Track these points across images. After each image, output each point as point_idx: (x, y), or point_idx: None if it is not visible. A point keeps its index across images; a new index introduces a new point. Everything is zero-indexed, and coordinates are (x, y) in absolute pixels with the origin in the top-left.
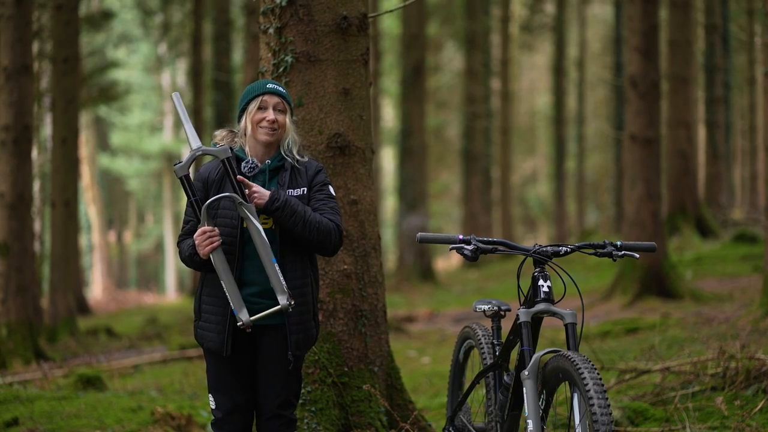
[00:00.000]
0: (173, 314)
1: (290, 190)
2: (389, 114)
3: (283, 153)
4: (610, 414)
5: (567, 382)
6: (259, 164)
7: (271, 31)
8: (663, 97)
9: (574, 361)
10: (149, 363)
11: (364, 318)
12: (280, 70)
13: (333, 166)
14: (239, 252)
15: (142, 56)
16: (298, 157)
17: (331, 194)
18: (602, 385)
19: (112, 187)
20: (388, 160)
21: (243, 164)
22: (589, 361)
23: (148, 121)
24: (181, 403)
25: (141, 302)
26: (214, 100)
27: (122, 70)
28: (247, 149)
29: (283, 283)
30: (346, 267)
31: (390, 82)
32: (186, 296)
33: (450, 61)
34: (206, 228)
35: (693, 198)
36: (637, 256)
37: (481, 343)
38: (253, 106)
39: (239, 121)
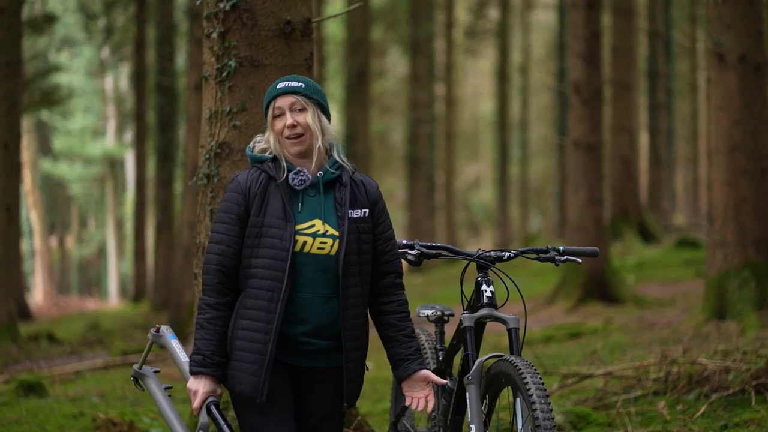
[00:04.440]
0: (115, 320)
1: (351, 211)
2: (333, 119)
3: (337, 159)
4: (553, 419)
5: (510, 387)
6: (310, 176)
7: (214, 35)
8: (606, 103)
9: (517, 365)
10: (91, 369)
11: None
12: (224, 74)
13: None
14: (288, 281)
15: (85, 60)
16: (350, 168)
17: (391, 225)
18: (545, 389)
19: (54, 191)
20: None
21: (291, 176)
22: (532, 366)
23: (90, 125)
24: (123, 410)
25: (83, 308)
26: (157, 105)
27: (65, 74)
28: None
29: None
30: None
31: (334, 87)
32: (128, 302)
33: (394, 66)
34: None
35: (635, 203)
36: (580, 261)
37: (424, 348)
38: (270, 116)
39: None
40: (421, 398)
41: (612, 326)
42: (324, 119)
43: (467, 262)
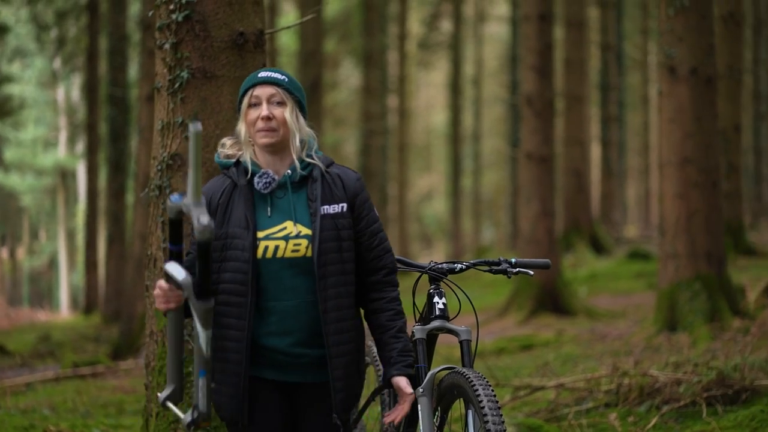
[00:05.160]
0: (66, 332)
1: (325, 206)
2: None
3: (305, 158)
4: (505, 431)
5: (462, 399)
6: (276, 176)
7: (166, 46)
8: (558, 115)
9: (469, 377)
10: (42, 381)
11: None
12: (176, 86)
13: None
14: (252, 293)
15: (37, 71)
16: (321, 164)
17: (377, 218)
18: (497, 401)
19: (5, 202)
20: None
21: (256, 179)
22: (484, 378)
23: (42, 136)
24: (74, 422)
25: (34, 319)
26: (109, 116)
27: (16, 85)
28: (256, 159)
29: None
30: None
31: None
32: (80, 313)
33: (347, 78)
34: (164, 286)
35: (587, 215)
36: (532, 273)
37: (376, 360)
38: (245, 104)
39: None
40: (392, 412)
41: (564, 338)
42: (301, 118)
43: (419, 274)
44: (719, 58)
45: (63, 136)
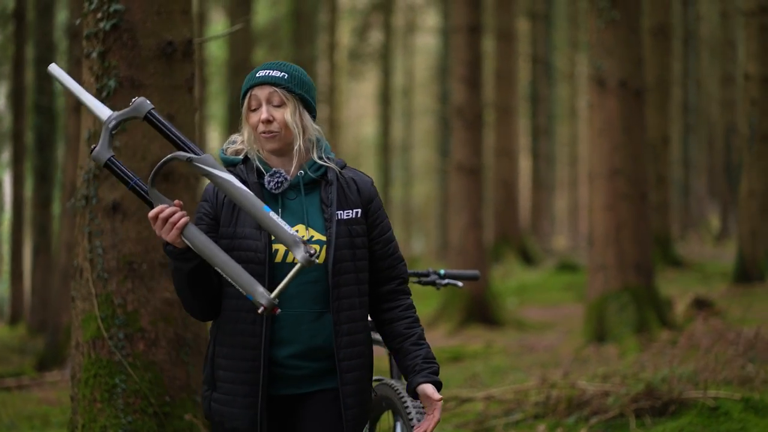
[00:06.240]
0: None
1: (339, 212)
2: (216, 140)
3: (317, 160)
4: None
5: (390, 411)
6: (288, 176)
7: (94, 55)
8: (488, 126)
9: (397, 389)
10: None
11: (186, 346)
12: (103, 94)
13: None
14: None
15: None
16: (335, 167)
17: (390, 225)
18: (425, 413)
19: None
20: None
21: (267, 178)
22: None
23: None
24: None
25: None
26: (36, 125)
27: None
28: (263, 158)
29: (291, 231)
30: (168, 295)
31: (217, 107)
32: (4, 324)
33: None
34: (158, 209)
35: (516, 227)
36: (460, 284)
37: None
38: (245, 107)
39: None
40: (422, 424)
41: (493, 349)
42: (306, 116)
43: None
44: (648, 70)
45: None
